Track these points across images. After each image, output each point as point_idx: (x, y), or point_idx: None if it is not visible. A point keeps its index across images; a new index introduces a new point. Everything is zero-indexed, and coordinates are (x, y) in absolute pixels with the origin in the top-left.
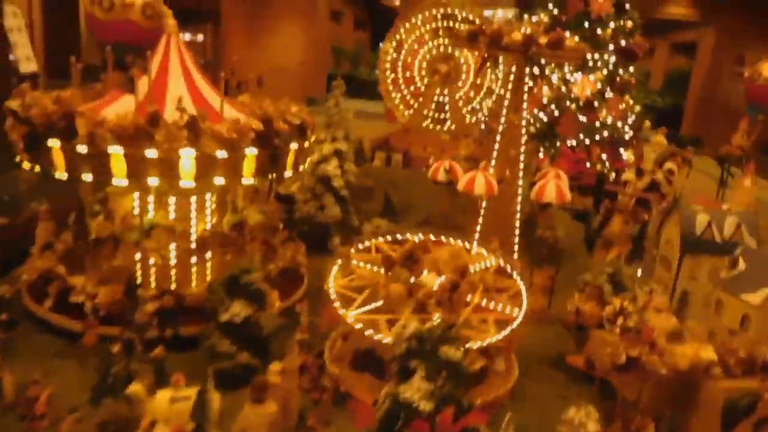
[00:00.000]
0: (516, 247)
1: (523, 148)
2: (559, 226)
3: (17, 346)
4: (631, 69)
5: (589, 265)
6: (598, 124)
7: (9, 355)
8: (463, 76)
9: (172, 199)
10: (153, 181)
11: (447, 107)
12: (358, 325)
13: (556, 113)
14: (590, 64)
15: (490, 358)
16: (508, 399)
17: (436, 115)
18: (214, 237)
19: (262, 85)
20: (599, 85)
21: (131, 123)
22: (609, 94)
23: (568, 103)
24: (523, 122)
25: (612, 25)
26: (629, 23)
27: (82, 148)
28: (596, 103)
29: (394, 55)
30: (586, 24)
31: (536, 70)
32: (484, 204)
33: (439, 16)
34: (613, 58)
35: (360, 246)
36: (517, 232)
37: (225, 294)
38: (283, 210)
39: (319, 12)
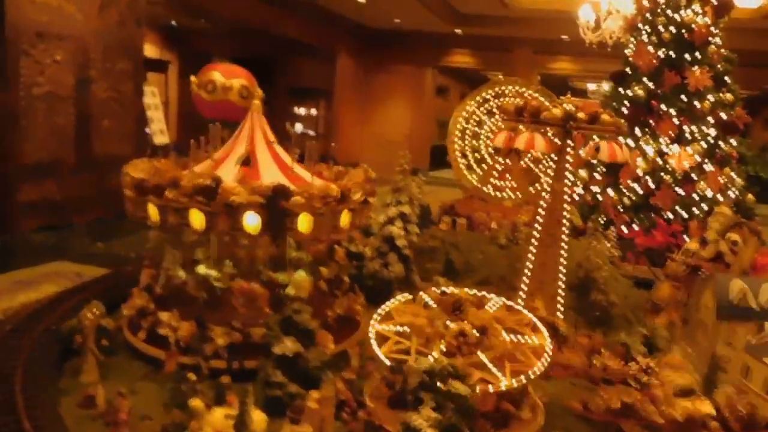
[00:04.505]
0: (560, 307)
1: (566, 214)
2: (613, 291)
3: (114, 369)
4: (734, 142)
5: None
6: (696, 197)
7: (105, 375)
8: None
9: None
10: None
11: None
12: (386, 361)
13: (652, 185)
14: (688, 136)
15: (517, 406)
16: None
17: (500, 183)
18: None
19: None
20: (698, 158)
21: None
22: (709, 167)
23: (663, 175)
24: (566, 189)
25: (711, 98)
26: (729, 96)
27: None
28: (694, 176)
29: (465, 124)
30: (683, 97)
31: (631, 142)
32: (529, 265)
33: (490, 96)
34: (713, 131)
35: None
36: (561, 292)
37: (279, 330)
38: (353, 266)
39: (426, 88)
